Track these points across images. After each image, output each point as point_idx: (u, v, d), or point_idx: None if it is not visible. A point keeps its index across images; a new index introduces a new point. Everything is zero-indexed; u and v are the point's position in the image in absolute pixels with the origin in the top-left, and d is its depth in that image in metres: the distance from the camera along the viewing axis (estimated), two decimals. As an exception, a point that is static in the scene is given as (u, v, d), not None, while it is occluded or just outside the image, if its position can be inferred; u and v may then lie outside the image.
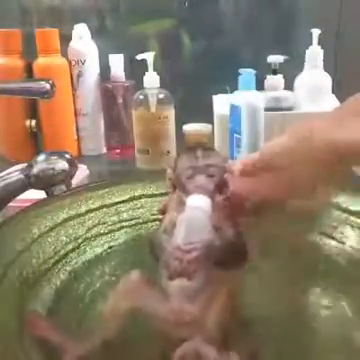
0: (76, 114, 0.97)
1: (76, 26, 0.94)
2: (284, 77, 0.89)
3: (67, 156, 0.56)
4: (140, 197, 0.56)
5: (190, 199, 0.40)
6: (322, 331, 0.41)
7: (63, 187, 0.56)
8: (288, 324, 0.41)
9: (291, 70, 0.90)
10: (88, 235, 0.51)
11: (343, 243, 0.49)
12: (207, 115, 0.90)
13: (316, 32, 0.86)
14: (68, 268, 0.48)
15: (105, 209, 0.54)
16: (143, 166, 0.88)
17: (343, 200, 0.51)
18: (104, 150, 0.99)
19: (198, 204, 0.39)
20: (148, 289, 0.40)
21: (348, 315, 0.42)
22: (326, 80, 0.89)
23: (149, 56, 0.84)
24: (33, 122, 0.95)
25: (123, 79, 0.95)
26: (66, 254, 0.48)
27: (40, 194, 0.56)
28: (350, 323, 0.42)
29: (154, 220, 0.54)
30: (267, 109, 0.79)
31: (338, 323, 0.42)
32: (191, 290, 0.38)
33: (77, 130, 0.98)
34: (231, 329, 0.37)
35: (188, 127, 0.90)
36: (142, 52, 0.84)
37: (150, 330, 0.38)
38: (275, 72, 0.88)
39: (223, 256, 0.39)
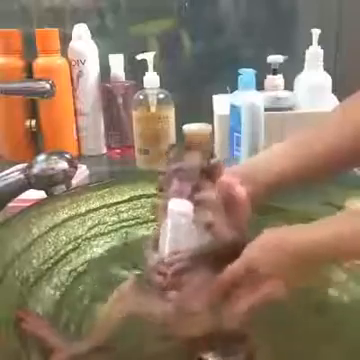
0: (76, 114, 0.97)
1: (76, 26, 0.94)
2: (284, 77, 0.89)
3: (67, 156, 0.56)
4: (140, 197, 0.56)
5: (170, 204, 0.39)
6: (318, 331, 0.41)
7: (63, 187, 0.56)
8: (286, 325, 0.41)
9: (291, 70, 0.90)
10: (88, 235, 0.51)
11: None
12: (207, 115, 0.90)
13: (316, 32, 0.86)
14: (68, 268, 0.48)
15: (105, 209, 0.54)
16: (143, 166, 0.87)
17: (343, 200, 0.51)
18: (104, 150, 0.99)
19: (178, 209, 0.38)
20: (144, 295, 0.39)
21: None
22: (326, 80, 0.89)
23: (149, 56, 0.84)
24: (33, 122, 0.95)
25: (123, 79, 0.95)
26: (66, 254, 0.49)
27: (40, 194, 0.56)
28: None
29: (154, 220, 0.54)
30: (267, 109, 0.79)
31: (334, 323, 0.42)
32: (189, 297, 0.37)
33: (77, 130, 0.98)
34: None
35: (188, 127, 0.90)
36: (142, 52, 0.84)
37: (145, 336, 0.38)
38: (275, 72, 0.88)
39: (220, 252, 0.38)
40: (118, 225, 0.54)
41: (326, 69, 0.89)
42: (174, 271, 0.37)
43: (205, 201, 0.40)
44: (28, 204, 0.52)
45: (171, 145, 0.45)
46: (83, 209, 0.53)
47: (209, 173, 0.42)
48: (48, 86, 0.62)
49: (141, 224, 0.54)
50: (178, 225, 0.38)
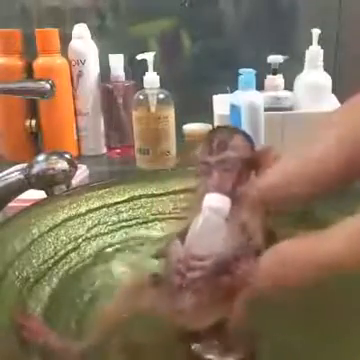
0: (76, 114, 0.97)
1: (76, 26, 0.94)
2: (284, 77, 0.89)
3: (67, 156, 0.56)
4: (140, 197, 0.56)
5: (206, 198, 0.35)
6: (320, 326, 0.41)
7: (63, 187, 0.56)
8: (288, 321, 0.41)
9: (291, 70, 0.90)
10: (88, 235, 0.51)
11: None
12: (207, 115, 0.90)
13: (316, 32, 0.86)
14: (68, 268, 0.48)
15: (105, 209, 0.54)
16: (143, 166, 0.88)
17: (344, 202, 0.51)
18: (104, 150, 0.99)
19: (212, 204, 0.35)
20: (153, 289, 0.38)
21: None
22: (326, 80, 0.89)
23: (149, 56, 0.84)
24: (33, 122, 0.95)
25: (123, 79, 0.95)
26: (66, 254, 0.48)
27: (40, 194, 0.56)
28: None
29: (154, 220, 0.54)
30: (267, 109, 0.79)
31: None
32: (202, 304, 0.36)
33: (77, 130, 0.98)
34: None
35: (188, 127, 0.90)
36: (142, 52, 0.84)
37: (147, 338, 0.38)
38: (275, 72, 0.89)
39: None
40: (118, 225, 0.54)
41: (326, 69, 0.89)
42: (193, 278, 0.34)
43: (244, 197, 0.36)
44: (28, 204, 0.52)
45: (213, 130, 0.38)
46: (83, 209, 0.52)
47: (255, 163, 0.36)
48: (48, 86, 0.62)
49: (141, 224, 0.54)
50: (208, 222, 0.35)
